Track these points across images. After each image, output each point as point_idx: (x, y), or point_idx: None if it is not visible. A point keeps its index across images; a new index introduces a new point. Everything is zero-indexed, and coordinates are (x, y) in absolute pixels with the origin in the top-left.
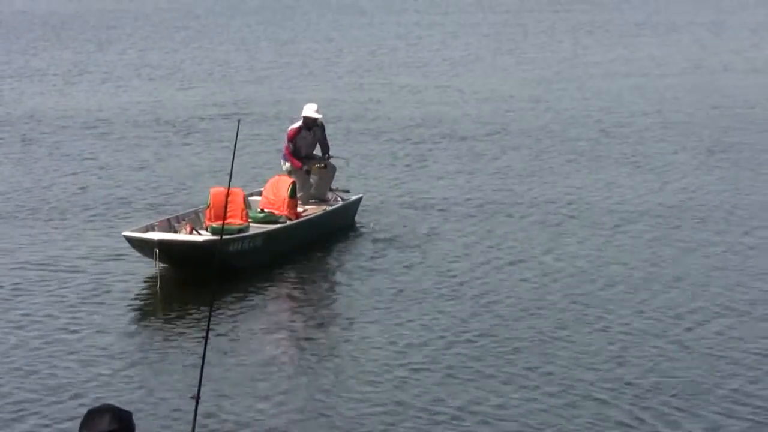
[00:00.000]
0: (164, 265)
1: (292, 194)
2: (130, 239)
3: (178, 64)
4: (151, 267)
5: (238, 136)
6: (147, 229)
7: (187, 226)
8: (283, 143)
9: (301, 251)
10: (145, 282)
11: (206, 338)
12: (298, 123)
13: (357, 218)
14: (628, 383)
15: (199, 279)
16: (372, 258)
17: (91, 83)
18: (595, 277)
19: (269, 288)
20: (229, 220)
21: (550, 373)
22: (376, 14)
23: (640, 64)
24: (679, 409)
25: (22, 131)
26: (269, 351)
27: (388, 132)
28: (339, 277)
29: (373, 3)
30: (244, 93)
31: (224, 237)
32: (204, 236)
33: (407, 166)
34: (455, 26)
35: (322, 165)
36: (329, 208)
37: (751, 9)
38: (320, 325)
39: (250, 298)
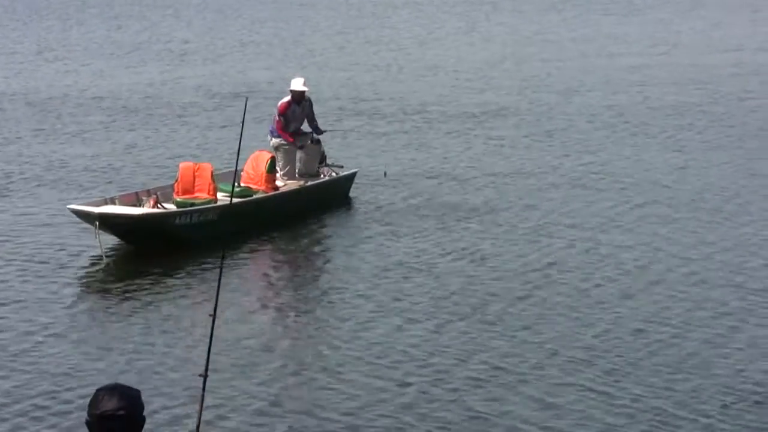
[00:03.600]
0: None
1: (270, 169)
2: (75, 212)
3: (163, 42)
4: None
5: (245, 115)
6: (106, 202)
7: (151, 200)
8: (274, 117)
9: (286, 224)
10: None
11: (214, 315)
12: (287, 98)
13: (353, 193)
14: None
15: (149, 251)
16: (361, 232)
17: (73, 61)
18: (593, 258)
19: (249, 260)
20: (196, 194)
21: (543, 351)
22: None
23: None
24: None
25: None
26: (265, 327)
27: (386, 109)
28: (324, 251)
29: None
30: (240, 73)
31: (170, 210)
32: (146, 209)
33: (406, 142)
34: (449, 3)
35: (310, 141)
36: (308, 183)
37: None
38: (314, 302)
39: (233, 273)
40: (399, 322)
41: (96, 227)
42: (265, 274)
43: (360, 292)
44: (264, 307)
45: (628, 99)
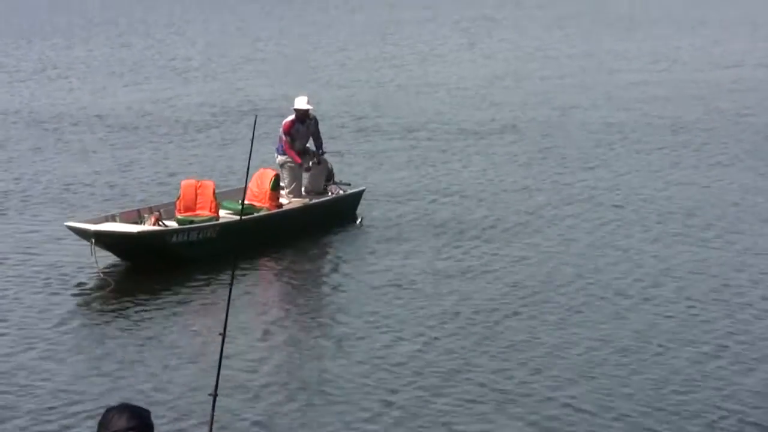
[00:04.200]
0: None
1: (274, 187)
2: (72, 229)
3: (167, 60)
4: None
5: (255, 132)
6: (107, 219)
7: (153, 217)
8: (279, 137)
9: (291, 242)
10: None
11: (224, 334)
12: (291, 116)
13: (360, 211)
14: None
15: (152, 269)
16: (368, 250)
17: (78, 79)
18: (599, 269)
19: (260, 276)
20: (197, 212)
21: (534, 369)
22: (374, 10)
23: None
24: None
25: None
26: (273, 347)
27: (388, 126)
28: (331, 270)
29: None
30: (243, 91)
31: (166, 228)
32: (143, 227)
33: (412, 160)
34: (452, 20)
35: (316, 161)
36: (312, 201)
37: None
38: (324, 321)
39: (242, 288)
40: (411, 343)
41: (92, 244)
42: (271, 293)
43: (369, 311)
44: (272, 326)
45: (628, 116)
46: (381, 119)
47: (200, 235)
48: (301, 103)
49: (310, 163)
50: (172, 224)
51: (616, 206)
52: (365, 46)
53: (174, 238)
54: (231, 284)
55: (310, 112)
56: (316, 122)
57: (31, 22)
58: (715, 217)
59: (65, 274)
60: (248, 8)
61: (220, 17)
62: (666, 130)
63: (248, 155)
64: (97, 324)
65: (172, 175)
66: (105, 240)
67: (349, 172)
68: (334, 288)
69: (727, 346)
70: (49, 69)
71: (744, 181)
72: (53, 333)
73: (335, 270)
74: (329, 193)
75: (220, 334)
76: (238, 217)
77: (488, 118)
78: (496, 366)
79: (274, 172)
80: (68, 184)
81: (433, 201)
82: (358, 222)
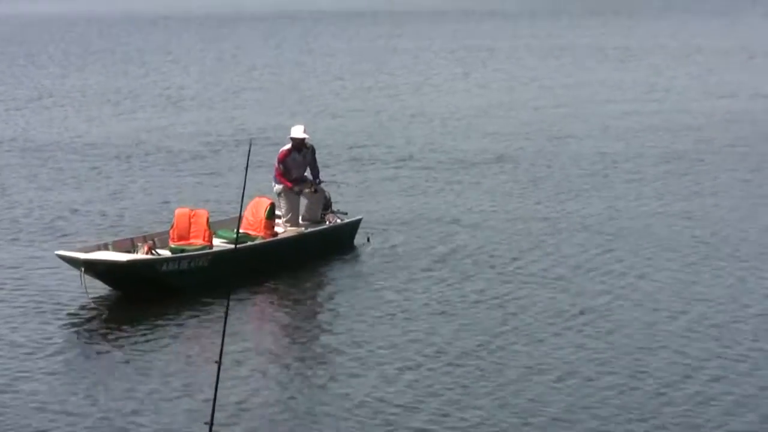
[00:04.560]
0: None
1: (269, 216)
2: (62, 258)
3: (159, 89)
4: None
5: (249, 158)
6: (99, 248)
7: (146, 246)
8: (275, 165)
9: (287, 270)
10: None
11: (219, 362)
12: (288, 145)
13: (357, 240)
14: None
15: (141, 298)
16: (364, 279)
17: (73, 108)
18: (595, 297)
19: (258, 304)
20: (191, 240)
21: (547, 386)
22: (370, 39)
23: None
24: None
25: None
26: (268, 376)
27: (383, 156)
28: (326, 298)
29: (368, 31)
30: (238, 119)
31: (156, 256)
32: (133, 255)
33: (405, 190)
34: (447, 50)
35: (313, 189)
36: (308, 230)
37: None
38: (316, 347)
39: (238, 316)
40: (406, 373)
41: (82, 273)
42: (266, 323)
43: (365, 341)
44: (267, 355)
45: (622, 145)
46: (375, 148)
47: (191, 264)
48: (298, 132)
49: (306, 190)
50: (165, 253)
51: (610, 236)
52: (361, 75)
53: (164, 267)
54: (226, 312)
55: (307, 141)
56: (313, 151)
57: (27, 50)
58: (710, 248)
59: (58, 303)
60: (244, 36)
61: (217, 45)
62: (659, 160)
63: (243, 183)
64: (90, 353)
65: (166, 203)
66: (95, 269)
67: (342, 201)
68: (330, 317)
69: (723, 377)
70: (45, 97)
71: (737, 212)
72: (45, 362)
73: (331, 299)
74: (327, 222)
75: (215, 362)
76: (231, 246)
77: (483, 147)
78: (494, 395)
79: (269, 201)
80: (63, 213)
81: (428, 231)
82: (367, 241)
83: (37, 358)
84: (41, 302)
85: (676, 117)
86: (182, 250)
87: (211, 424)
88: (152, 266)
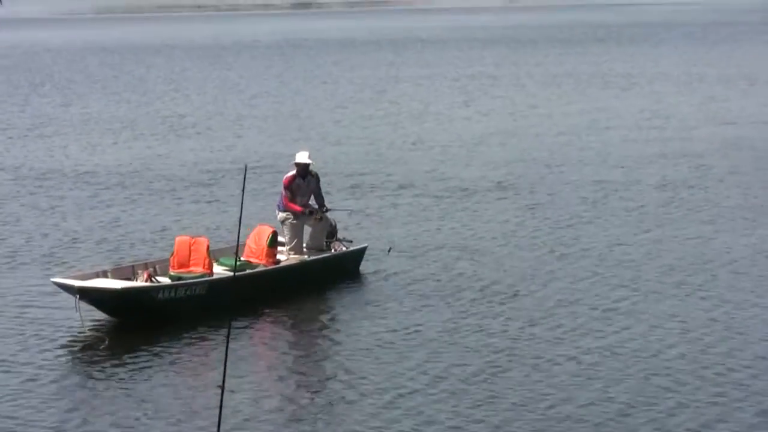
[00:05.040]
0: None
1: (271, 243)
2: (58, 285)
3: (161, 116)
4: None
5: (245, 183)
6: (98, 275)
7: (145, 273)
8: (281, 192)
9: (290, 298)
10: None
11: (222, 387)
12: (292, 171)
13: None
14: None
15: (136, 325)
16: (366, 308)
17: (72, 136)
18: (595, 326)
19: (258, 329)
20: (191, 268)
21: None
22: (372, 68)
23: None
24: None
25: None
26: (272, 402)
27: (389, 185)
28: (328, 326)
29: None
30: (240, 147)
31: (152, 284)
32: (128, 283)
33: (405, 218)
34: (449, 77)
35: (318, 217)
36: (309, 258)
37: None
38: (319, 375)
39: (241, 339)
40: (409, 400)
41: (77, 300)
42: (267, 350)
43: (367, 369)
44: (268, 382)
45: (623, 173)
46: (377, 176)
47: (188, 292)
48: (303, 157)
49: (311, 216)
50: (165, 280)
51: (611, 264)
52: (362, 102)
53: (160, 295)
54: (228, 338)
55: (312, 168)
56: (318, 179)
57: (30, 78)
58: (708, 276)
59: (57, 331)
60: (245, 64)
61: (218, 73)
62: (660, 188)
63: (240, 209)
64: (90, 382)
65: (166, 231)
66: (90, 296)
67: (340, 227)
68: (333, 345)
69: (723, 401)
70: (45, 125)
71: (736, 240)
72: (44, 390)
73: (334, 327)
74: (332, 250)
75: (218, 386)
76: (230, 274)
77: (484, 175)
78: (494, 424)
79: (271, 229)
80: (64, 240)
81: (430, 258)
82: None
83: (35, 386)
84: (39, 330)
85: (677, 144)
86: (181, 278)
87: None
88: (148, 293)
